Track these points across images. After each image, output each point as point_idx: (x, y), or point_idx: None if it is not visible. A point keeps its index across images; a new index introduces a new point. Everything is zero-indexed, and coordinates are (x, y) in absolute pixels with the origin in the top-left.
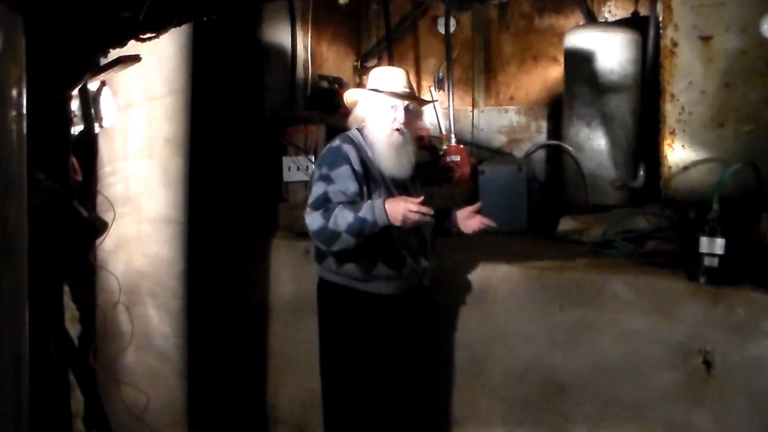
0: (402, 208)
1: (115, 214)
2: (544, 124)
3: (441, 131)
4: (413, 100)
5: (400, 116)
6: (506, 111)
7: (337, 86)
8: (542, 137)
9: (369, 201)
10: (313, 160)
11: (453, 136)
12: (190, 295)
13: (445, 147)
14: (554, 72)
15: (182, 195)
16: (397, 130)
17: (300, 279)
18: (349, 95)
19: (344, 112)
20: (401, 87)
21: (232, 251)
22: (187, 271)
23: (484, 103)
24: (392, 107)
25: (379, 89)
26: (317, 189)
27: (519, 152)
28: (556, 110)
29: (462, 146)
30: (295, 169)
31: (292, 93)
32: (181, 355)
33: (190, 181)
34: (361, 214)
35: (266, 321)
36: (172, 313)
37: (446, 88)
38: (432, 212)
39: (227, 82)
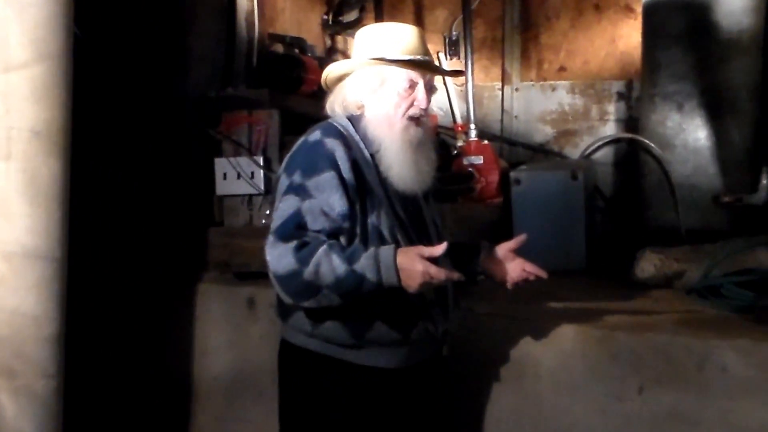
0: (420, 270)
1: None
2: (611, 108)
3: (455, 119)
4: (440, 74)
5: (422, 98)
6: (553, 89)
7: (297, 51)
8: (609, 128)
9: (373, 249)
10: (261, 164)
11: (473, 127)
12: (67, 372)
13: (460, 143)
14: (627, 29)
15: (58, 217)
16: (416, 119)
17: (242, 345)
18: (337, 68)
19: (308, 90)
20: (419, 54)
21: (135, 302)
22: (63, 335)
23: (520, 77)
24: (409, 85)
25: (390, 57)
26: (285, 207)
27: (573, 151)
28: (630, 88)
29: (486, 142)
30: (233, 176)
31: (230, 63)
32: None
33: (70, 195)
34: (358, 267)
35: (187, 410)
36: (39, 400)
37: (463, 55)
38: (463, 278)
39: (130, 46)
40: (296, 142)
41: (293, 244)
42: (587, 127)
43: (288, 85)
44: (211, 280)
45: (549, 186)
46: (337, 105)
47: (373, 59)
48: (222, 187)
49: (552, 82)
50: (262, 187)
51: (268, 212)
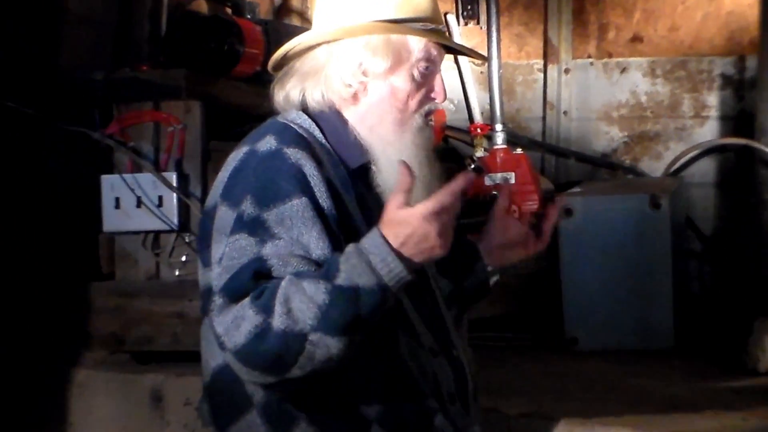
0: (420, 217)
1: None
2: (713, 99)
3: (471, 117)
4: (465, 53)
5: (441, 85)
6: (624, 70)
7: (230, 11)
8: (708, 130)
9: (350, 247)
10: (174, 184)
11: (499, 128)
12: None
13: (480, 153)
14: None
15: None
16: (429, 116)
17: None
18: (315, 36)
19: (247, 71)
20: (433, 18)
21: None
22: None
23: (572, 51)
24: (425, 64)
25: (397, 18)
26: (234, 254)
27: (654, 165)
28: (742, 67)
29: (520, 152)
30: (130, 203)
31: (127, 28)
32: None
33: None
34: (342, 279)
35: None
36: None
37: (484, 18)
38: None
39: None
40: (234, 153)
41: (248, 299)
42: (675, 128)
43: (216, 64)
44: (95, 364)
45: (616, 219)
46: (308, 94)
47: (381, 21)
48: (112, 221)
49: (621, 59)
50: (176, 221)
51: (184, 258)
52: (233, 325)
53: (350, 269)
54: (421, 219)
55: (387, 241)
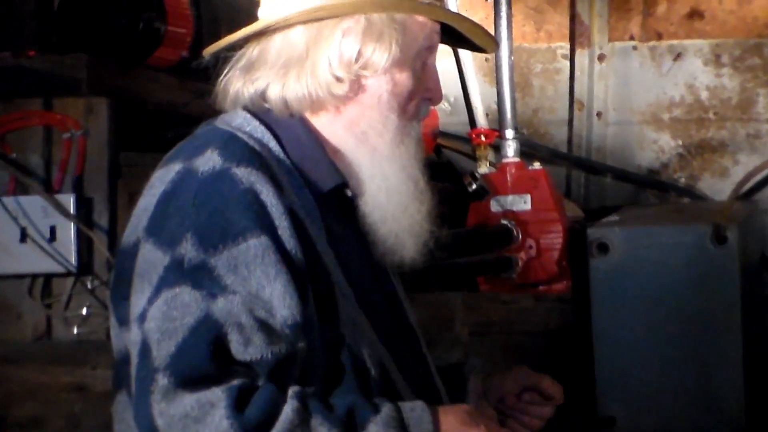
0: None
1: None
2: None
3: (472, 120)
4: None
5: (436, 81)
6: (677, 56)
7: None
8: None
9: (388, 409)
10: (72, 210)
11: (510, 135)
12: None
13: (484, 169)
14: None
15: None
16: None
17: None
18: (290, 13)
19: (170, 59)
20: None
21: None
22: None
23: (609, 31)
24: (427, 54)
25: None
26: (176, 312)
27: (718, 185)
28: None
29: (538, 167)
30: (11, 236)
31: (6, 2)
32: None
33: None
34: None
35: None
36: None
37: None
38: None
39: None
40: (162, 172)
41: (219, 395)
42: (747, 134)
43: (128, 48)
44: None
45: (667, 258)
46: (273, 91)
47: None
48: None
49: (675, 41)
50: (74, 260)
51: (86, 311)
52: (192, 423)
53: None
54: None
55: None
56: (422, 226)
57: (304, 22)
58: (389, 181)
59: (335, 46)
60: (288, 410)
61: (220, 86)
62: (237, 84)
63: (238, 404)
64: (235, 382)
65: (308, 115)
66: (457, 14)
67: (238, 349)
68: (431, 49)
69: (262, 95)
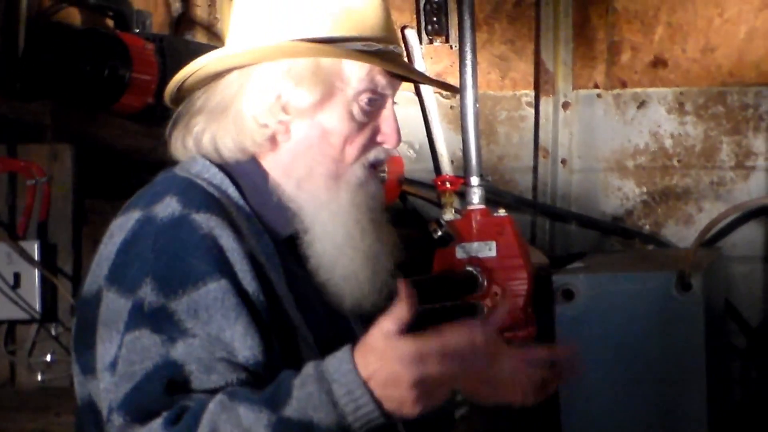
0: (409, 377)
1: None
2: (760, 143)
3: (437, 168)
4: (427, 82)
5: (391, 126)
6: (641, 104)
7: (113, 23)
8: (755, 184)
9: (311, 367)
10: (36, 256)
11: (475, 182)
12: None
13: (449, 216)
14: None
15: None
16: (375, 166)
17: None
18: (224, 59)
19: (135, 105)
20: (383, 37)
21: None
22: None
23: (574, 79)
24: (370, 100)
25: (340, 39)
26: (135, 356)
27: (683, 232)
28: None
29: (503, 214)
30: None
31: None
32: None
33: None
34: (293, 409)
35: None
36: None
37: (456, 36)
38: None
39: None
40: (121, 220)
41: (159, 419)
42: (711, 182)
43: (93, 95)
44: None
45: (632, 305)
46: (206, 139)
47: (308, 40)
48: None
49: (639, 89)
50: (39, 306)
51: (50, 358)
52: None
53: (305, 398)
54: (398, 356)
55: (357, 370)
56: (371, 271)
57: (239, 68)
58: (326, 227)
59: (257, 90)
60: (211, 406)
61: (171, 134)
62: (193, 131)
63: (171, 419)
64: (182, 403)
65: (259, 158)
66: (397, 59)
67: (200, 378)
68: (376, 93)
69: (197, 143)
